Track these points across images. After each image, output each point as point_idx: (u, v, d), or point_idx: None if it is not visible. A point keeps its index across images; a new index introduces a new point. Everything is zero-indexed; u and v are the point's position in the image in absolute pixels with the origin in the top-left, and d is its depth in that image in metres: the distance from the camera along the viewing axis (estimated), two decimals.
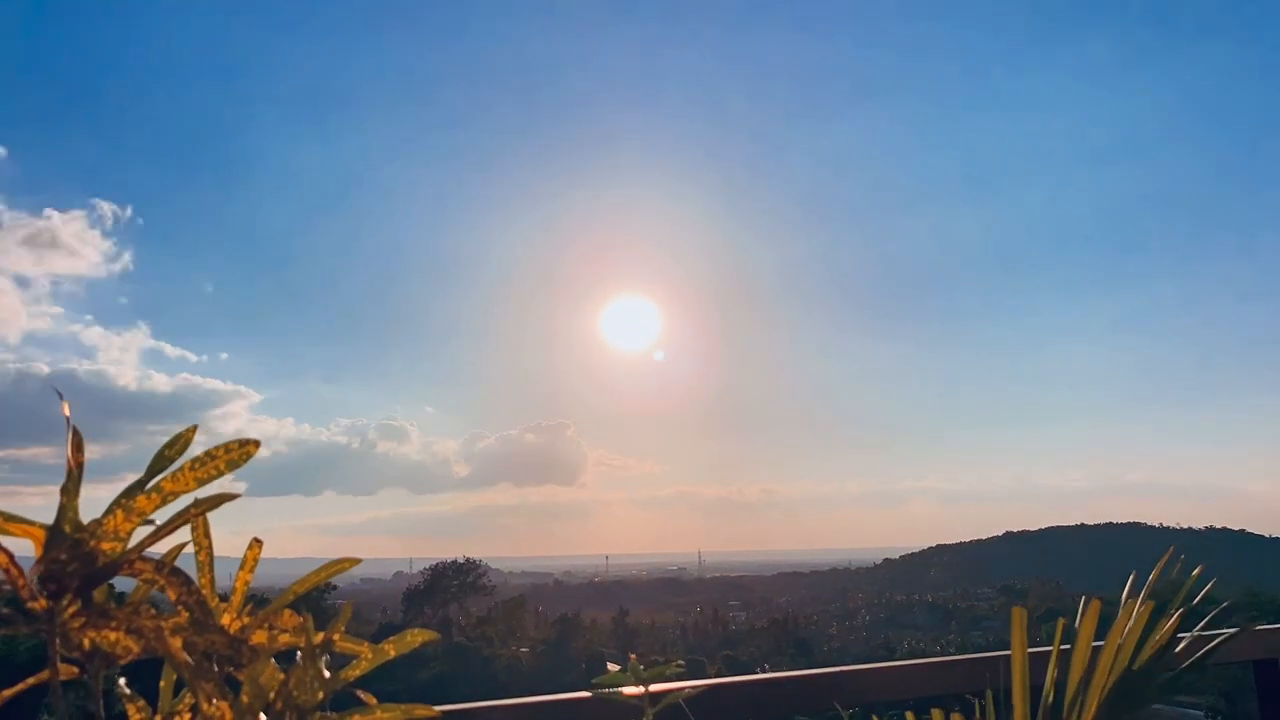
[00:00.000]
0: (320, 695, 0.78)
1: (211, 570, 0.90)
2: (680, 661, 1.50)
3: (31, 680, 0.88)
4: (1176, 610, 1.43)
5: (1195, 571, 1.54)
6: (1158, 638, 1.38)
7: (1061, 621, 1.45)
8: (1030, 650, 1.45)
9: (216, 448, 0.75)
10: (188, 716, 0.95)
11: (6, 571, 0.68)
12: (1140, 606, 1.39)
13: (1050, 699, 1.42)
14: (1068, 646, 1.43)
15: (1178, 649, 1.40)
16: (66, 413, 0.69)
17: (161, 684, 1.00)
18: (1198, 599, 1.49)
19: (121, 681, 0.92)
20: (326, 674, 0.83)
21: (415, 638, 0.89)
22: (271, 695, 0.73)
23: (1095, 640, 1.41)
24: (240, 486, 0.78)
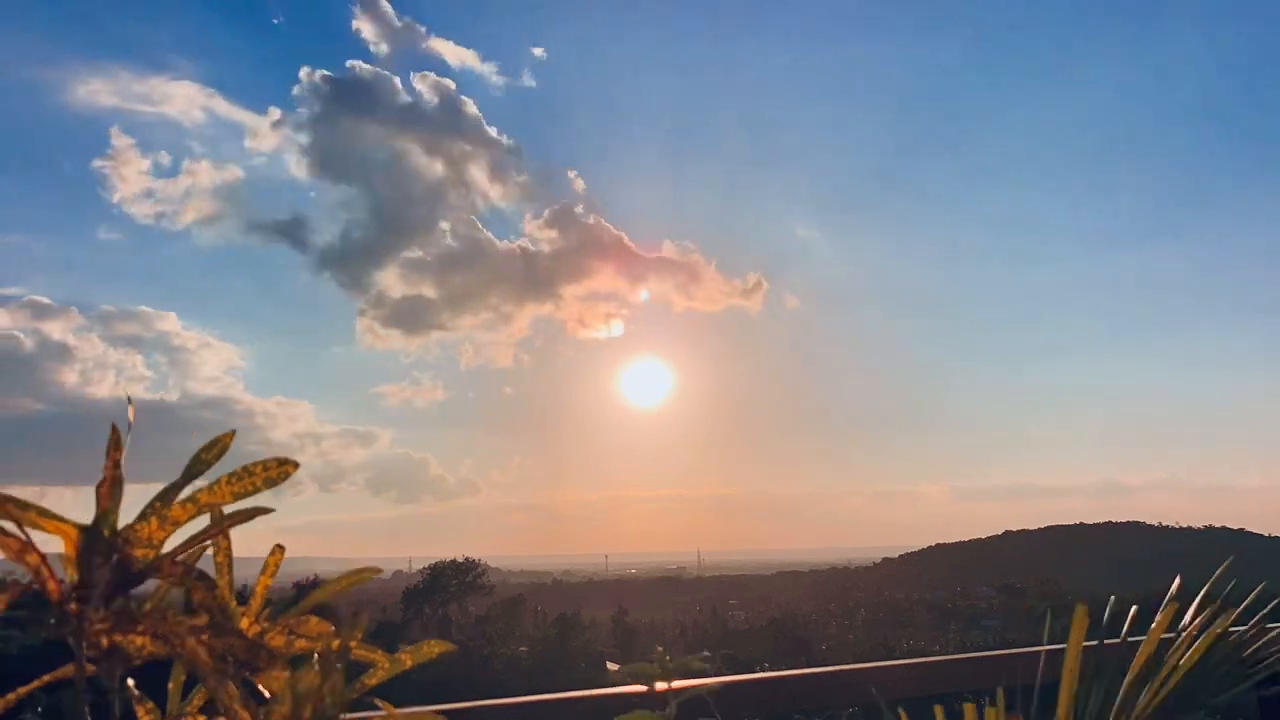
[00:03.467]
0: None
1: (230, 572, 0.91)
2: (706, 653, 1.51)
3: (47, 677, 0.89)
4: (1234, 614, 1.40)
5: (1259, 586, 1.51)
6: (1225, 644, 1.35)
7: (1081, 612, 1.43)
8: (1028, 650, 1.46)
9: (255, 464, 0.76)
10: (200, 718, 0.96)
11: (37, 573, 0.69)
12: (1203, 611, 1.37)
13: (1091, 701, 1.39)
14: (1094, 642, 1.40)
15: (1246, 653, 1.38)
16: (131, 412, 0.69)
17: (170, 685, 1.00)
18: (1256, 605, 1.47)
19: (130, 683, 0.92)
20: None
21: (432, 648, 0.90)
22: (288, 705, 0.74)
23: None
24: (271, 501, 0.79)
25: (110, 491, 0.70)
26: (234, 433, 0.76)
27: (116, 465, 0.71)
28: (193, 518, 0.73)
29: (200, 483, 0.76)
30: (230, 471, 0.75)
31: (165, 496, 0.73)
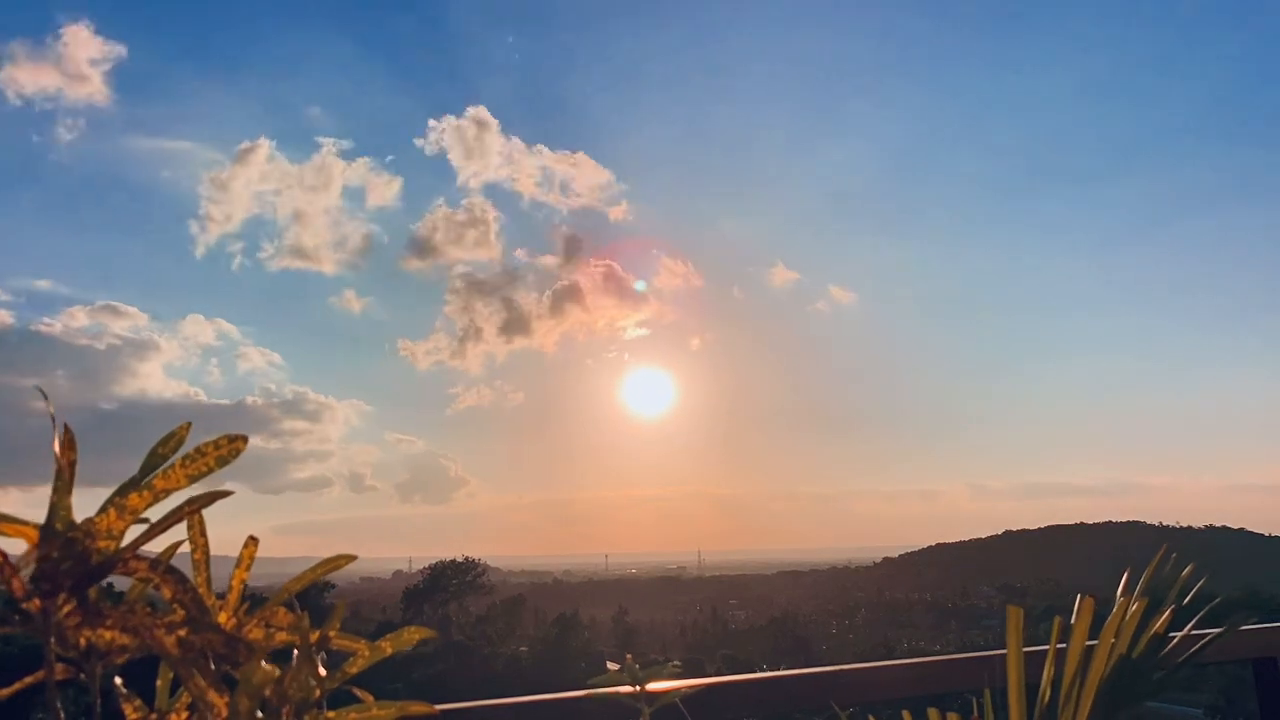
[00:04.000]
0: (316, 692, 0.78)
1: (207, 568, 0.89)
2: (677, 662, 1.51)
3: (29, 679, 0.88)
4: (1169, 607, 1.43)
5: (1186, 570, 1.54)
6: (1151, 634, 1.39)
7: (1058, 620, 1.46)
8: (1027, 649, 1.46)
9: (206, 444, 0.75)
10: (185, 715, 0.95)
11: (1, 572, 0.68)
12: (1134, 604, 1.40)
13: (1046, 697, 1.42)
14: (1064, 645, 1.43)
15: (1171, 645, 1.41)
16: (51, 411, 0.69)
17: (159, 682, 1.00)
18: (1189, 596, 1.50)
19: (117, 680, 0.91)
20: (323, 671, 0.83)
21: (412, 635, 0.89)
22: (267, 692, 0.73)
23: (1091, 639, 1.42)
24: (229, 484, 0.78)
25: (59, 487, 0.68)
26: (189, 425, 0.74)
27: (71, 464, 0.70)
28: (150, 505, 0.72)
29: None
30: (183, 454, 0.74)
31: (124, 490, 0.72)
